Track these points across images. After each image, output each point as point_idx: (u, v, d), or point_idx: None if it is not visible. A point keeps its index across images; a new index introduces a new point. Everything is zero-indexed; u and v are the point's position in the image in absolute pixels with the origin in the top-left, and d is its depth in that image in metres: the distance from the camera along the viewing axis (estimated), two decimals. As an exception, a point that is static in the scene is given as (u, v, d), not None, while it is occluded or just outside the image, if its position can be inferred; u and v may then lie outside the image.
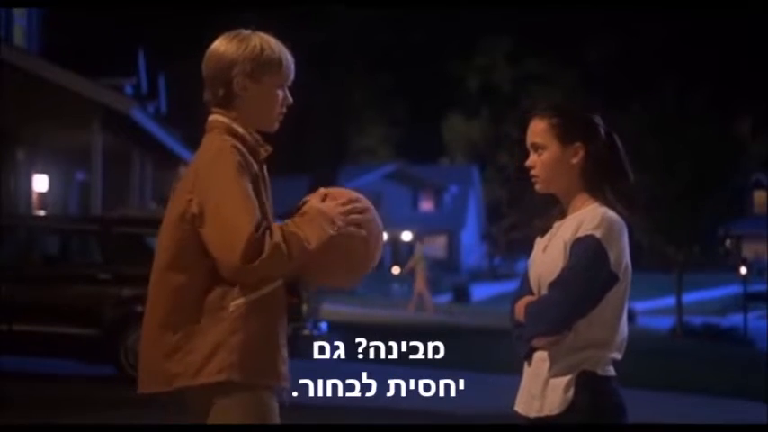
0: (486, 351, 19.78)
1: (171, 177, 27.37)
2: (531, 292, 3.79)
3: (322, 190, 3.73)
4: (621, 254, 3.66)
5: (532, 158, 3.79)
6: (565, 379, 3.63)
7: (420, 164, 79.23)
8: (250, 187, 3.51)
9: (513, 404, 3.83)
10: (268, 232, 3.47)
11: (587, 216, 3.67)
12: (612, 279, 3.63)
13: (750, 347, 30.60)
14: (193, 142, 30.22)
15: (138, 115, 19.37)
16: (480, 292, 56.37)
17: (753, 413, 13.16)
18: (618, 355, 3.72)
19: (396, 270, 68.79)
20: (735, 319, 39.65)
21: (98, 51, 27.83)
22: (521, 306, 3.74)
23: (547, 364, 3.68)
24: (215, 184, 3.49)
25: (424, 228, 75.22)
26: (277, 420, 3.57)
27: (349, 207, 3.65)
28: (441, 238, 76.60)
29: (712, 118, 34.43)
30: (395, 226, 73.27)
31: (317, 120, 75.74)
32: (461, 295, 55.51)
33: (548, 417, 3.66)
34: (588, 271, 3.59)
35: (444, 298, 56.57)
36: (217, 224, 3.47)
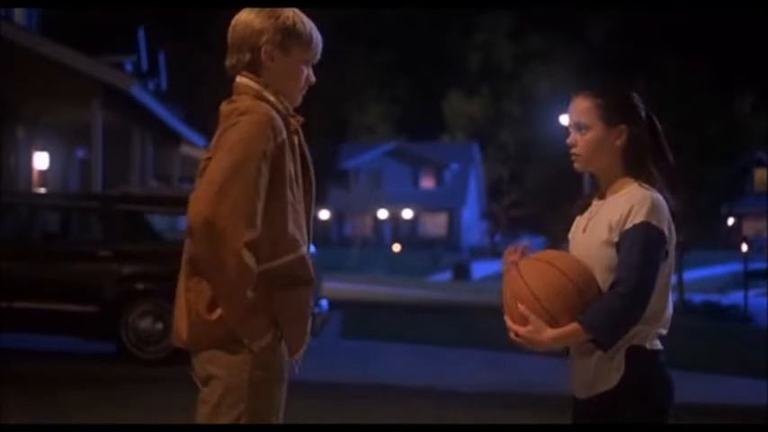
0: (488, 328, 19.77)
1: (171, 155, 27.32)
2: None
3: None
4: (670, 231, 3.70)
5: (574, 137, 3.79)
6: (615, 354, 3.66)
7: (420, 141, 79.10)
8: (264, 178, 3.43)
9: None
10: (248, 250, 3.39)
11: (635, 199, 3.67)
12: (666, 257, 3.71)
13: (750, 325, 30.64)
14: (194, 119, 30.00)
15: (139, 93, 19.35)
16: (481, 269, 56.36)
17: (753, 390, 13.18)
18: (664, 331, 3.80)
19: (396, 247, 68.87)
20: (735, 296, 39.69)
21: (98, 29, 27.74)
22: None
23: None
24: (232, 147, 3.42)
25: (425, 205, 75.23)
26: None
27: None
28: (441, 216, 76.55)
29: (714, 95, 34.37)
30: (395, 204, 73.25)
31: (317, 98, 75.55)
32: (462, 273, 55.52)
33: (600, 394, 3.68)
34: (654, 262, 3.64)
35: (445, 276, 56.60)
36: (217, 182, 3.38)
